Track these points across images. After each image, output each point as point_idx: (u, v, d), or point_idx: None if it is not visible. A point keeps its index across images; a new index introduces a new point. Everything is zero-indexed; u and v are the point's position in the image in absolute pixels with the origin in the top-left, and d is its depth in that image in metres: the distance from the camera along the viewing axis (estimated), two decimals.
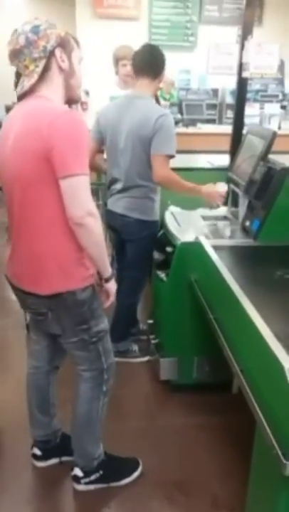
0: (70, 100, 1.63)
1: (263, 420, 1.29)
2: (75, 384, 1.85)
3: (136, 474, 1.99)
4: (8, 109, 6.54)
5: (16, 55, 1.48)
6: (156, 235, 2.58)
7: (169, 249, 2.37)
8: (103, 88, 3.94)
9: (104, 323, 1.76)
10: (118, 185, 2.51)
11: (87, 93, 7.05)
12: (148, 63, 2.41)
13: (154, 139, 2.31)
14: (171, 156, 2.36)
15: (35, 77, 1.49)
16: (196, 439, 2.23)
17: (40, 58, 1.48)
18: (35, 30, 1.46)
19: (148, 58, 2.42)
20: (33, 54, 1.47)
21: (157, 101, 2.98)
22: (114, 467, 1.97)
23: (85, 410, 1.83)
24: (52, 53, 1.49)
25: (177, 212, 2.68)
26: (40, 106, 1.50)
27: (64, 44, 1.52)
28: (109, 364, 1.81)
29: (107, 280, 1.68)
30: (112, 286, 1.71)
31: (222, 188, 2.49)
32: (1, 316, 3.37)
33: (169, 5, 7.01)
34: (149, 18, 7.04)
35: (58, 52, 1.50)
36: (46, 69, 1.50)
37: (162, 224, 2.58)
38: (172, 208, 2.72)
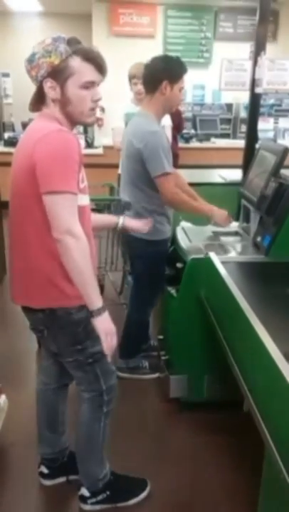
0: (79, 123, 1.61)
1: (271, 443, 1.25)
2: (78, 404, 1.83)
3: (144, 495, 1.95)
4: (24, 125, 6.67)
5: None
6: (165, 253, 2.54)
7: (179, 265, 2.36)
8: (119, 105, 3.98)
9: (101, 345, 1.61)
10: (125, 206, 2.50)
11: (102, 110, 7.13)
12: (144, 79, 2.39)
13: (146, 161, 2.29)
14: (167, 174, 2.29)
15: (31, 100, 1.55)
16: (206, 460, 2.18)
17: (36, 86, 1.52)
18: (31, 58, 1.47)
19: (144, 74, 2.39)
20: (32, 80, 1.52)
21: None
22: (121, 487, 1.93)
23: (86, 431, 1.80)
24: (41, 83, 1.49)
25: (188, 227, 2.67)
26: (38, 124, 1.54)
27: (56, 74, 1.46)
28: (109, 386, 1.76)
29: (93, 315, 1.50)
30: (100, 324, 1.51)
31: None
32: (13, 330, 3.38)
33: (184, 22, 7.09)
34: (164, 35, 7.12)
35: (46, 83, 1.48)
36: (41, 95, 1.52)
37: (173, 239, 2.57)
38: (183, 224, 2.71)
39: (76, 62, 1.47)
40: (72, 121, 1.56)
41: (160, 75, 2.28)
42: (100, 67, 1.52)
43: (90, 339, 1.62)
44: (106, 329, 1.53)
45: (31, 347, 3.08)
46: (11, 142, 6.07)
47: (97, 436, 1.81)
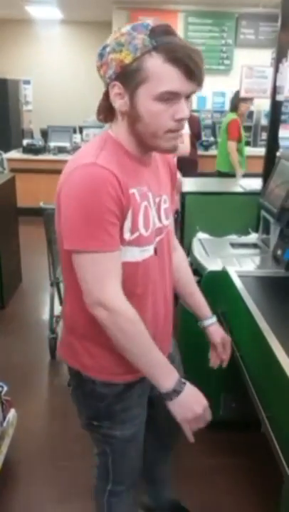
0: (153, 149, 1.17)
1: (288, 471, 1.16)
2: None
3: None
4: (43, 132, 6.66)
5: None
6: None
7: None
8: None
9: (123, 432, 1.32)
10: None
11: None
12: None
13: None
14: None
15: (98, 107, 1.17)
16: (221, 483, 2.08)
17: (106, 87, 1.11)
18: (101, 52, 1.08)
19: None
20: (103, 81, 1.12)
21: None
22: None
23: (94, 500, 1.53)
24: (109, 86, 1.08)
25: (205, 238, 2.58)
26: (80, 150, 1.18)
27: (126, 76, 1.04)
28: (119, 480, 1.43)
29: (166, 398, 1.16)
30: (174, 408, 1.16)
31: None
32: (26, 342, 3.33)
33: (205, 29, 7.04)
34: None
35: (114, 87, 1.07)
36: (109, 101, 1.11)
37: (189, 251, 2.48)
38: (200, 235, 2.63)
39: (154, 63, 1.01)
40: (145, 145, 1.14)
41: None
42: (190, 71, 1.03)
43: (110, 421, 1.30)
44: (184, 415, 1.18)
45: (44, 358, 3.02)
46: (30, 149, 6.08)
47: None
